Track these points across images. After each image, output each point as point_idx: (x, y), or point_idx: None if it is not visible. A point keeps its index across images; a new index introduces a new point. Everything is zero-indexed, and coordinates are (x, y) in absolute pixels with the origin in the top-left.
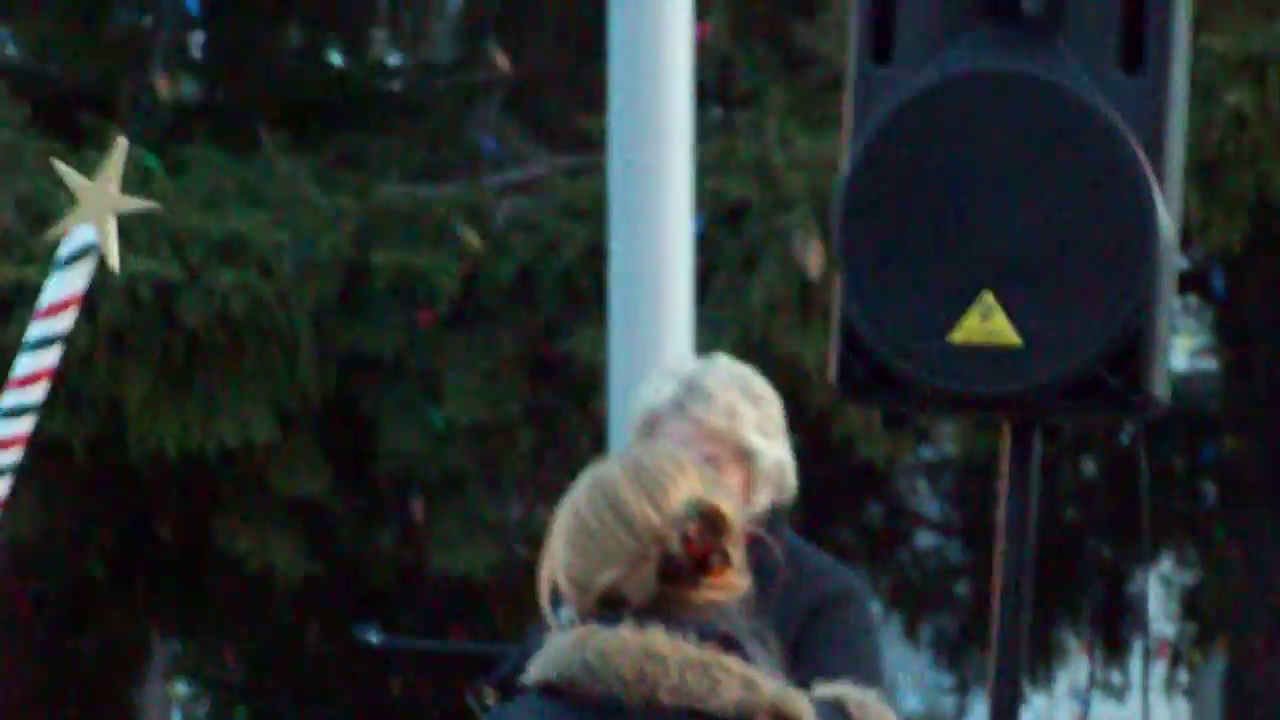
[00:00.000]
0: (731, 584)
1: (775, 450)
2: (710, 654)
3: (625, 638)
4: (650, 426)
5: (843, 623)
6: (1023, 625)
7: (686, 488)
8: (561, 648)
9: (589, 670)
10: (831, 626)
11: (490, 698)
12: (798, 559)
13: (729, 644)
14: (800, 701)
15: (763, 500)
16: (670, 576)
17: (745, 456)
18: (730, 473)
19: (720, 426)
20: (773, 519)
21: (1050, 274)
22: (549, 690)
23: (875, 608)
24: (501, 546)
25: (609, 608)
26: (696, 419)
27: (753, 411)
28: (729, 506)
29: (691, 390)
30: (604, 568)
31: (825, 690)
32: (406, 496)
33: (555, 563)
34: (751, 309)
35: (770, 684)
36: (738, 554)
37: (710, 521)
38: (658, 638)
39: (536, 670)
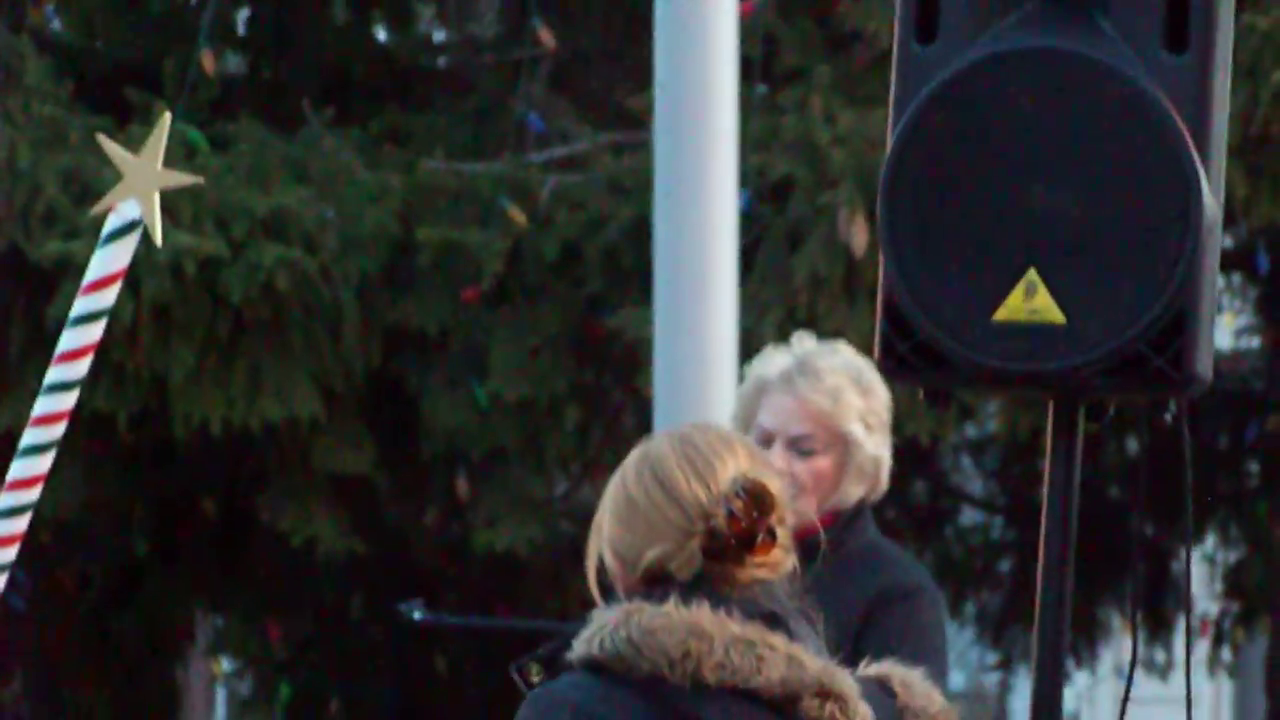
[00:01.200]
0: (777, 562)
1: (875, 445)
2: (755, 631)
3: (670, 614)
4: (757, 395)
5: (910, 615)
6: (1066, 603)
7: (734, 466)
8: (606, 624)
9: (634, 647)
10: (899, 618)
11: (537, 675)
12: (874, 551)
13: (774, 622)
14: (846, 680)
15: (854, 492)
16: (716, 553)
17: (841, 443)
18: (823, 456)
19: (822, 407)
20: (857, 511)
21: (1094, 252)
22: (594, 667)
23: (944, 607)
24: (545, 523)
25: (655, 584)
26: (800, 396)
27: (859, 401)
28: (775, 484)
29: (802, 367)
30: (650, 544)
31: (870, 669)
32: (451, 473)
33: (602, 538)
34: (795, 286)
35: (816, 662)
36: (784, 532)
37: (757, 499)
38: (703, 615)
39: (582, 647)
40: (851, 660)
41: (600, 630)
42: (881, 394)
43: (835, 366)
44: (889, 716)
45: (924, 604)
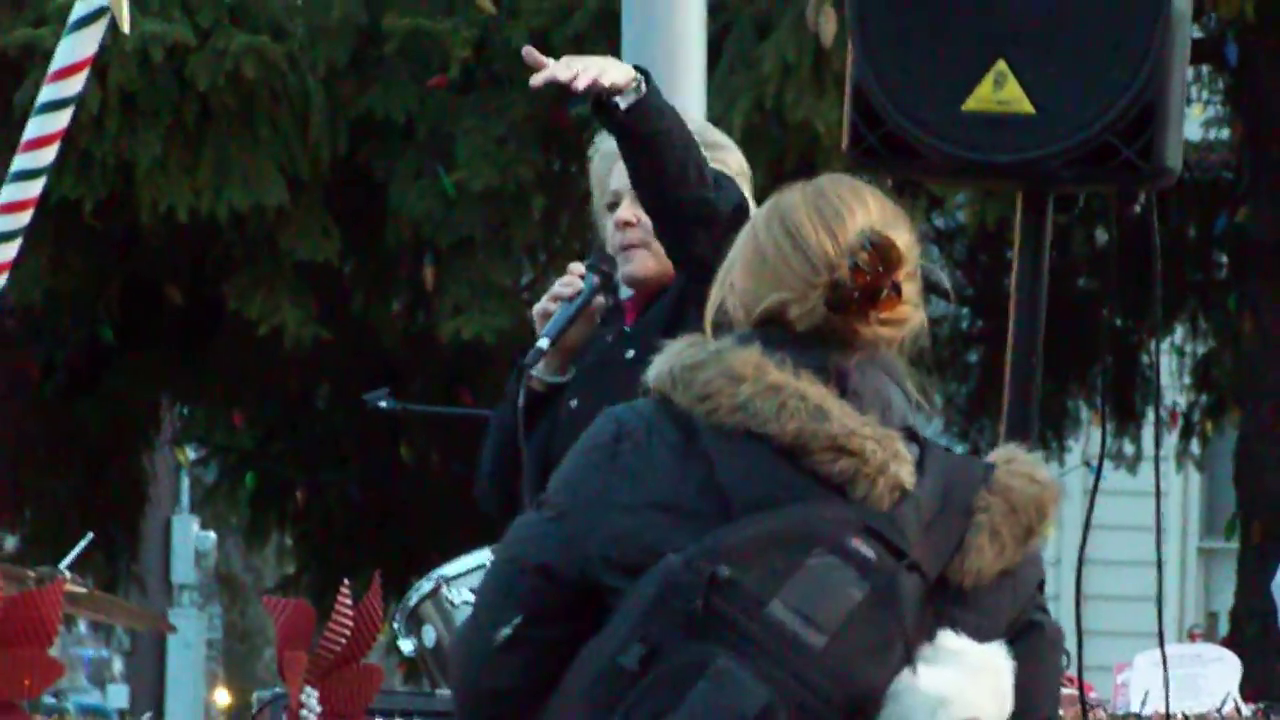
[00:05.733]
0: (904, 318)
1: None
2: (795, 381)
3: (718, 353)
4: (609, 166)
5: None
6: (1034, 394)
7: (863, 218)
8: (666, 355)
9: (673, 380)
10: None
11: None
12: None
13: (831, 377)
14: (883, 443)
15: None
16: (839, 305)
17: None
18: None
19: None
20: None
21: (1064, 44)
22: (655, 393)
23: None
24: (511, 311)
25: (767, 326)
26: None
27: (704, 151)
28: (904, 239)
29: None
30: (774, 292)
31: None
32: (417, 261)
33: (726, 287)
34: (764, 74)
35: (848, 420)
36: (912, 288)
37: (883, 252)
38: (747, 357)
39: (649, 371)
40: None
41: (661, 359)
42: (730, 149)
43: None
44: (974, 484)
45: None
